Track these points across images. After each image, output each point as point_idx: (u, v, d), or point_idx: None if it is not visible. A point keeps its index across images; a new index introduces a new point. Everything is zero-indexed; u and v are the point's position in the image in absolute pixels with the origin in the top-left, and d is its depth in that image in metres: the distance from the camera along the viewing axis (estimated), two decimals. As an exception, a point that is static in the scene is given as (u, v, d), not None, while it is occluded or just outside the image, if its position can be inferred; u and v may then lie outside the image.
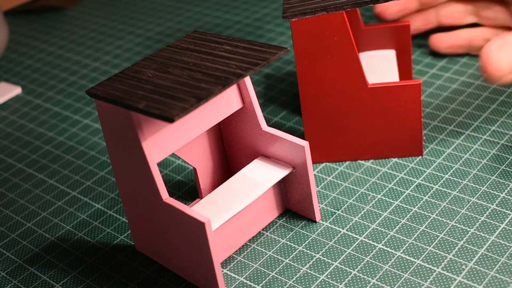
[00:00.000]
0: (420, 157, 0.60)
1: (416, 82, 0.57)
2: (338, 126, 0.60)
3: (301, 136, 0.65)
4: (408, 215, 0.55)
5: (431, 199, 0.56)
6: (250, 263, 0.53)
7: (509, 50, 0.54)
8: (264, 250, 0.54)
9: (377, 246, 0.52)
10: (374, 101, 0.58)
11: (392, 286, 0.49)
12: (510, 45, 0.54)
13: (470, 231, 0.52)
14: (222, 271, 0.52)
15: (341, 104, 0.58)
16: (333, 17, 0.55)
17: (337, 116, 0.59)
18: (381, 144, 0.60)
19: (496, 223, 0.53)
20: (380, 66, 0.66)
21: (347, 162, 0.61)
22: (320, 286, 0.50)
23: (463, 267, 0.50)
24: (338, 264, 0.51)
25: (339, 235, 0.54)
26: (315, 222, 0.55)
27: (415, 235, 0.53)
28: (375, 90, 0.58)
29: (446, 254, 0.51)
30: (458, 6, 0.71)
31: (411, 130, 0.59)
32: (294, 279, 0.51)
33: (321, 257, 0.52)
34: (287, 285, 0.51)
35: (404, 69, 0.68)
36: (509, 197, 0.55)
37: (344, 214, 0.56)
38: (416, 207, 0.55)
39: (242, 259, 0.53)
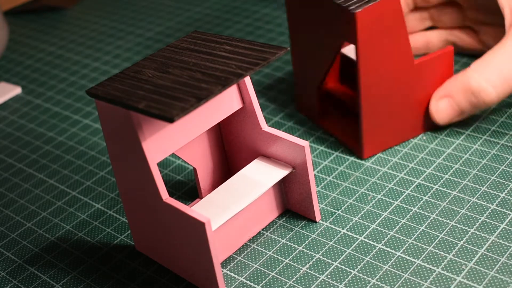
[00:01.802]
0: (420, 156, 0.60)
1: (449, 49, 0.60)
2: (393, 109, 0.60)
3: (301, 136, 0.65)
4: (408, 215, 0.55)
5: (431, 199, 0.56)
6: (250, 263, 0.53)
7: (447, 101, 0.60)
8: (264, 250, 0.54)
9: (377, 246, 0.52)
10: (419, 76, 0.59)
11: (392, 286, 0.49)
12: (448, 95, 0.60)
13: (470, 231, 0.52)
14: (222, 271, 0.52)
15: (394, 86, 0.59)
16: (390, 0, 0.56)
17: (392, 99, 0.60)
18: (426, 116, 0.62)
19: (496, 223, 0.53)
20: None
21: (347, 162, 0.61)
22: (320, 286, 0.50)
23: (463, 267, 0.50)
24: (338, 264, 0.51)
25: (339, 235, 0.54)
26: (315, 222, 0.55)
27: (415, 235, 0.53)
28: (419, 65, 0.59)
29: (446, 254, 0.51)
30: (415, 15, 0.73)
31: None
32: (294, 279, 0.51)
33: (321, 257, 0.52)
34: (287, 285, 0.51)
35: None
36: (509, 197, 0.55)
37: (344, 214, 0.56)
38: (416, 207, 0.55)
39: (242, 259, 0.53)
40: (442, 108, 0.60)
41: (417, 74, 0.60)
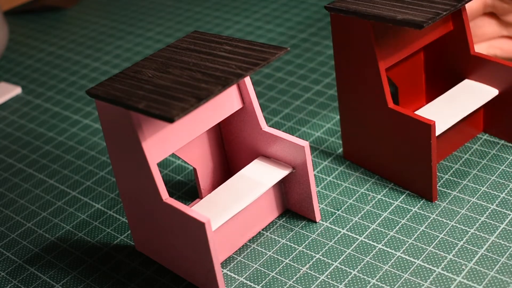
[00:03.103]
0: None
1: (428, 121, 0.52)
2: (365, 132, 0.58)
3: (301, 136, 0.65)
4: (408, 215, 0.55)
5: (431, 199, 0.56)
6: (250, 263, 0.53)
7: None
8: (264, 250, 0.54)
9: (377, 246, 0.52)
10: (392, 123, 0.55)
11: (392, 286, 0.49)
12: None
13: (470, 231, 0.52)
14: (222, 271, 0.52)
15: (366, 112, 0.57)
16: (361, 23, 0.54)
17: (364, 122, 0.57)
18: (397, 168, 0.57)
19: (496, 223, 0.53)
20: (462, 99, 0.58)
21: (347, 162, 0.61)
22: (320, 286, 0.50)
23: (463, 267, 0.50)
24: (338, 264, 0.51)
25: (339, 235, 0.54)
26: (315, 222, 0.55)
27: (415, 235, 0.53)
28: (392, 112, 0.55)
29: (446, 254, 0.51)
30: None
31: (421, 170, 0.55)
32: (294, 279, 0.51)
33: (321, 257, 0.52)
34: (287, 285, 0.50)
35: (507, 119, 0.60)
36: (509, 197, 0.55)
37: (344, 214, 0.56)
38: (416, 207, 0.55)
39: (242, 259, 0.53)
40: None
41: (390, 119, 0.55)
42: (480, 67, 0.59)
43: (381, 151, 0.57)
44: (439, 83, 0.63)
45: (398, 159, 0.56)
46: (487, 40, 0.68)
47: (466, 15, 0.57)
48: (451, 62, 0.61)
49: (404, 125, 0.54)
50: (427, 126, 0.52)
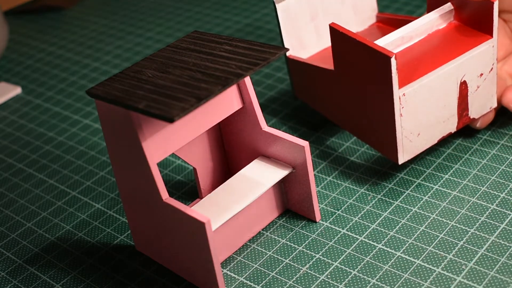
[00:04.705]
0: (420, 156, 0.60)
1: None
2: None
3: (301, 136, 0.65)
4: (408, 215, 0.55)
5: (431, 199, 0.56)
6: (250, 263, 0.53)
7: None
8: (264, 250, 0.54)
9: (377, 246, 0.52)
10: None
11: (392, 286, 0.49)
12: None
13: (470, 231, 0.52)
14: (222, 271, 0.52)
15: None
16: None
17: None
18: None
19: (496, 223, 0.53)
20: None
21: (347, 162, 0.61)
22: (320, 286, 0.50)
23: (463, 267, 0.50)
24: (338, 264, 0.51)
25: (339, 235, 0.54)
26: (315, 222, 0.55)
27: (415, 235, 0.53)
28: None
29: (446, 254, 0.51)
30: None
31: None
32: (294, 279, 0.51)
33: (321, 257, 0.52)
34: (287, 285, 0.51)
35: None
36: (509, 197, 0.55)
37: (344, 214, 0.56)
38: (416, 207, 0.55)
39: (242, 259, 0.53)
40: None
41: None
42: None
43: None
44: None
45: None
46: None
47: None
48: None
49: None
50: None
